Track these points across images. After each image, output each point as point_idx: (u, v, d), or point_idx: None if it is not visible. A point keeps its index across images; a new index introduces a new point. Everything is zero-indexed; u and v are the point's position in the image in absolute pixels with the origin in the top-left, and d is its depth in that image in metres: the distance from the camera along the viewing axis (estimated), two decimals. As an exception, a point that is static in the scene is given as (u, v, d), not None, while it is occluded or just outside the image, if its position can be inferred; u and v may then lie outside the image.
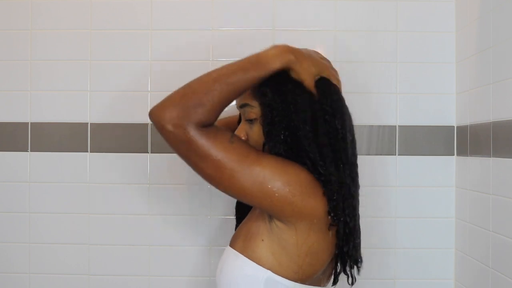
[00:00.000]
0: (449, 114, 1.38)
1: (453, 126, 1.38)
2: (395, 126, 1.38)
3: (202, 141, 0.79)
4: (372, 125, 1.38)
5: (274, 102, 0.87)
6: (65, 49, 1.40)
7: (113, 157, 1.39)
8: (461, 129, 1.34)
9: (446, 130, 1.38)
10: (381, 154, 1.37)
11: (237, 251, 0.90)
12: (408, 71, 1.38)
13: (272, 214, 0.84)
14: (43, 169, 1.40)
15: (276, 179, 0.80)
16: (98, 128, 1.39)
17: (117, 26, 1.40)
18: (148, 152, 1.39)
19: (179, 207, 1.38)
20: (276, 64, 0.85)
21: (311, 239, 0.84)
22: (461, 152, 1.34)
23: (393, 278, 1.38)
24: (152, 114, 0.82)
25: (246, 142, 0.90)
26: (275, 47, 0.87)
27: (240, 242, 0.91)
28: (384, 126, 1.37)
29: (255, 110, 0.90)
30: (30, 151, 1.40)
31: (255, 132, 0.92)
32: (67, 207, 1.39)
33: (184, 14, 1.39)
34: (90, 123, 1.39)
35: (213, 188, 1.29)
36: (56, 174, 1.40)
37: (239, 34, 1.39)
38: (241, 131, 0.94)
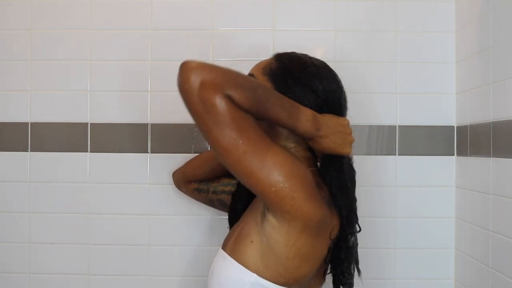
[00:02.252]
0: (449, 114, 1.38)
1: (453, 126, 1.38)
2: (395, 126, 1.38)
3: (227, 110, 0.74)
4: (372, 125, 1.38)
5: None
6: (65, 49, 1.40)
7: (113, 157, 1.39)
8: (461, 129, 1.34)
9: (446, 130, 1.38)
10: (381, 154, 1.37)
11: (227, 253, 0.89)
12: (408, 71, 1.38)
13: (270, 204, 0.82)
14: (43, 169, 1.40)
15: (284, 170, 0.79)
16: (98, 128, 1.39)
17: (117, 26, 1.40)
18: (148, 152, 1.39)
19: (179, 207, 1.38)
20: (302, 128, 0.86)
21: (301, 241, 0.83)
22: (461, 152, 1.34)
23: (393, 278, 1.38)
24: (184, 64, 0.77)
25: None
26: (312, 115, 0.87)
27: (230, 244, 0.91)
28: (384, 126, 1.37)
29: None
30: (30, 151, 1.40)
31: None
32: (67, 207, 1.39)
33: (184, 14, 1.39)
34: (90, 123, 1.39)
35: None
36: (56, 174, 1.39)
37: (239, 34, 1.39)
38: None
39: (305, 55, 0.97)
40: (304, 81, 0.91)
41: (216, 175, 1.21)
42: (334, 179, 0.90)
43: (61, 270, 1.39)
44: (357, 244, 0.94)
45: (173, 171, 1.30)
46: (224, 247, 0.93)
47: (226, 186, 1.18)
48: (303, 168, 0.83)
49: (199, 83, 0.74)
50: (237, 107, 0.76)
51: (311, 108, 0.88)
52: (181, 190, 1.30)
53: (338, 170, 0.91)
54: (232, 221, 1.08)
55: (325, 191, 0.89)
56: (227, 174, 1.19)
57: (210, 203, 1.24)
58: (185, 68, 0.76)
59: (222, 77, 0.76)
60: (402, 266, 1.38)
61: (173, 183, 1.32)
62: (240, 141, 0.76)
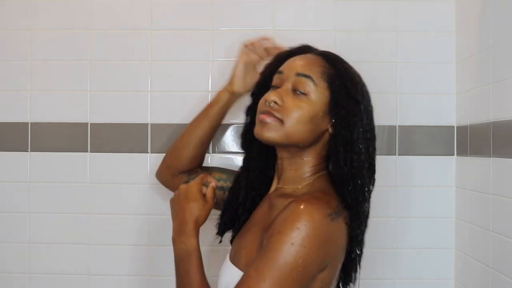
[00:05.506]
0: (449, 114, 1.38)
1: (453, 126, 1.38)
2: (395, 126, 1.38)
3: None
4: (372, 125, 1.37)
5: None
6: (65, 49, 1.40)
7: (113, 157, 1.39)
8: (461, 129, 1.34)
9: (446, 130, 1.38)
10: (381, 154, 1.37)
11: (241, 270, 0.87)
12: (408, 71, 1.38)
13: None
14: (43, 169, 1.40)
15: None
16: (98, 128, 1.39)
17: (117, 26, 1.40)
18: (148, 152, 1.39)
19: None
20: (192, 243, 0.93)
21: (334, 269, 0.87)
22: (461, 152, 1.34)
23: (393, 278, 1.38)
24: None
25: None
26: (174, 238, 0.97)
27: (243, 260, 0.90)
28: (384, 126, 1.37)
29: (317, 89, 0.91)
30: (30, 151, 1.40)
31: (301, 107, 0.90)
32: (67, 207, 1.39)
33: (184, 14, 1.39)
34: (90, 123, 1.39)
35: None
36: (56, 174, 1.39)
37: (239, 34, 1.39)
38: (277, 94, 0.91)
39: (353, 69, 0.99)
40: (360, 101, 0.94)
41: (202, 156, 1.18)
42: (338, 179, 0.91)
43: (61, 270, 1.39)
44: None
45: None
46: (235, 262, 0.92)
47: (217, 182, 1.12)
48: (314, 242, 0.79)
49: None
50: None
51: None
52: (172, 189, 1.20)
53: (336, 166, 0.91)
54: (227, 224, 1.06)
55: (335, 198, 0.89)
56: (218, 168, 1.20)
57: None
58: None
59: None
60: (402, 266, 1.38)
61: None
62: None
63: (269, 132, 0.90)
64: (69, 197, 1.39)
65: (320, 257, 0.80)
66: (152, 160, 1.38)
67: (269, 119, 0.90)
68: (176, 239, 0.94)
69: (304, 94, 0.90)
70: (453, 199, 1.37)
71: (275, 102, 0.90)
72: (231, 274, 0.90)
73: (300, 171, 0.94)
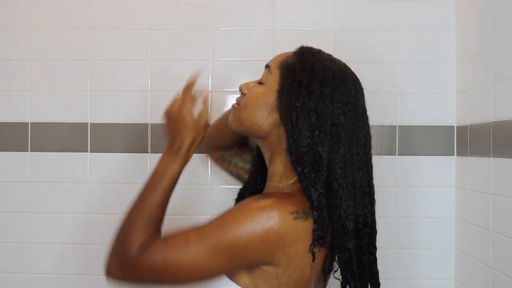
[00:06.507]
0: (449, 114, 1.38)
1: (453, 126, 1.38)
2: (395, 126, 1.38)
3: (151, 263, 0.79)
4: (372, 125, 1.37)
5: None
6: (65, 49, 1.40)
7: (113, 157, 1.39)
8: (461, 129, 1.34)
9: (446, 130, 1.38)
10: (381, 154, 1.37)
11: None
12: (408, 71, 1.38)
13: (252, 265, 0.83)
14: (43, 169, 1.40)
15: (245, 258, 0.79)
16: (98, 128, 1.39)
17: (117, 26, 1.40)
18: (148, 152, 1.39)
19: (179, 207, 1.38)
20: (176, 166, 0.88)
21: (291, 269, 0.81)
22: (461, 152, 1.34)
23: (393, 278, 1.38)
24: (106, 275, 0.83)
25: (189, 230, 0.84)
26: (163, 155, 0.91)
27: None
28: (384, 126, 1.37)
29: (270, 77, 0.91)
30: (30, 151, 1.40)
31: (254, 93, 0.91)
32: (67, 207, 1.39)
33: (184, 14, 1.39)
34: (90, 123, 1.39)
35: (213, 188, 1.29)
36: (56, 174, 1.39)
37: (239, 34, 1.39)
38: (245, 84, 0.95)
39: (325, 57, 0.93)
40: (313, 91, 0.86)
41: (238, 139, 1.15)
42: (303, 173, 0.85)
43: (61, 270, 1.39)
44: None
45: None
46: None
47: (246, 164, 1.14)
48: (264, 232, 0.77)
49: (116, 273, 0.81)
50: (152, 248, 0.79)
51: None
52: (211, 157, 1.25)
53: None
54: None
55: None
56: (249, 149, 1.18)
57: (231, 174, 1.22)
58: (107, 278, 0.82)
59: (117, 248, 0.84)
60: (402, 266, 1.38)
61: None
62: (197, 270, 0.78)
63: (231, 118, 0.97)
64: (69, 197, 1.39)
65: (267, 249, 0.78)
66: (152, 160, 1.38)
67: (234, 106, 0.96)
68: (164, 155, 0.91)
69: (261, 83, 0.93)
70: (453, 199, 1.37)
71: (241, 91, 0.95)
72: None
73: (278, 168, 0.92)
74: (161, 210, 0.87)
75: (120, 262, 0.81)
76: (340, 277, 0.87)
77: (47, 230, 1.39)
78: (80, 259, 1.39)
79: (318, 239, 0.80)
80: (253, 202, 0.81)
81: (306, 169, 0.83)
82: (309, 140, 0.84)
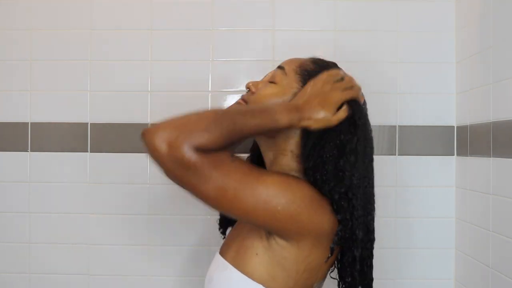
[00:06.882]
0: (449, 114, 1.38)
1: (453, 126, 1.38)
2: (395, 126, 1.38)
3: (203, 161, 0.73)
4: (372, 125, 1.37)
5: None
6: (65, 49, 1.40)
7: (113, 157, 1.39)
8: (461, 129, 1.34)
9: (446, 130, 1.38)
10: (381, 154, 1.37)
11: (228, 262, 0.87)
12: (408, 71, 1.38)
13: (276, 233, 0.81)
14: (43, 169, 1.40)
15: (280, 197, 0.77)
16: (98, 128, 1.39)
17: (117, 26, 1.40)
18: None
19: (179, 207, 1.38)
20: (283, 120, 0.82)
21: (312, 256, 0.82)
22: (461, 152, 1.34)
23: (393, 278, 1.38)
24: (145, 133, 0.77)
25: (245, 160, 0.85)
26: (284, 104, 0.85)
27: (231, 252, 0.88)
28: (384, 126, 1.37)
29: (285, 78, 0.90)
30: (30, 151, 1.40)
31: (264, 90, 0.90)
32: (67, 207, 1.39)
33: (184, 14, 1.39)
34: (90, 123, 1.39)
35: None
36: (56, 174, 1.40)
37: (239, 34, 1.39)
38: (254, 82, 0.93)
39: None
40: None
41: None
42: (314, 169, 0.84)
43: (61, 270, 1.39)
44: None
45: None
46: (223, 254, 0.91)
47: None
48: (300, 185, 0.81)
49: (166, 146, 0.74)
50: (212, 152, 0.74)
51: None
52: None
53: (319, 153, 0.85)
54: (225, 222, 1.06)
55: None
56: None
57: None
58: (148, 137, 0.77)
59: (185, 131, 0.74)
60: (402, 266, 1.38)
61: (172, 182, 1.31)
62: (227, 187, 0.75)
63: None
64: (69, 197, 1.39)
65: (289, 215, 0.78)
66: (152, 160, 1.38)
67: (240, 103, 0.93)
68: (287, 104, 0.86)
69: (274, 82, 0.91)
70: (453, 199, 1.37)
71: (249, 89, 0.94)
72: (216, 263, 0.91)
73: (281, 168, 0.90)
74: (244, 133, 0.79)
75: (177, 142, 0.74)
76: (338, 276, 0.89)
77: (47, 230, 1.39)
78: (80, 259, 1.39)
79: (340, 239, 0.82)
80: (286, 175, 0.82)
81: (325, 177, 0.83)
82: (332, 153, 0.84)
